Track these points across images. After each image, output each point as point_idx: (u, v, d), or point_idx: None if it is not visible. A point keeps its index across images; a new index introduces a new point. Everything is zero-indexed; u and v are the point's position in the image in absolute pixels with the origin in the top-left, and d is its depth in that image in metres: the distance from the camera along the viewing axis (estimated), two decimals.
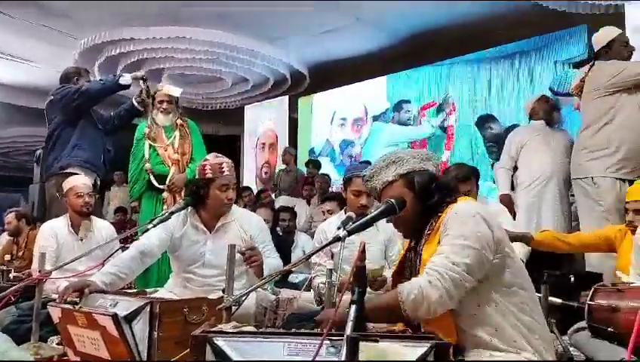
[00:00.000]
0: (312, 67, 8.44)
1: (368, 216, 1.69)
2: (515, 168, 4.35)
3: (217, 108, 10.02)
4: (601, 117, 3.49)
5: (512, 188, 4.39)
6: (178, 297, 2.58)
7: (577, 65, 6.00)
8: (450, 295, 1.56)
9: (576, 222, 4.13)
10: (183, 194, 3.86)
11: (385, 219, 1.78)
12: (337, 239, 1.61)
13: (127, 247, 2.68)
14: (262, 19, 6.72)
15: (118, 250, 2.65)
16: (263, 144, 9.78)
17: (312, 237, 5.47)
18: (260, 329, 1.59)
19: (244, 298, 1.85)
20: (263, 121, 9.79)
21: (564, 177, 4.08)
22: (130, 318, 1.96)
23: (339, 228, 2.09)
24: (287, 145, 9.11)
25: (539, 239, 2.88)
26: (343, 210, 3.10)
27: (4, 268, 4.04)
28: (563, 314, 2.54)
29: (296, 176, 7.77)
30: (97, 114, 4.32)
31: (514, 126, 6.09)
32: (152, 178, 3.99)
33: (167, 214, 2.64)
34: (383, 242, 3.00)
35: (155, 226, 2.56)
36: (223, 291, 2.05)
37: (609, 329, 2.10)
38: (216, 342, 1.37)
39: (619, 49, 3.59)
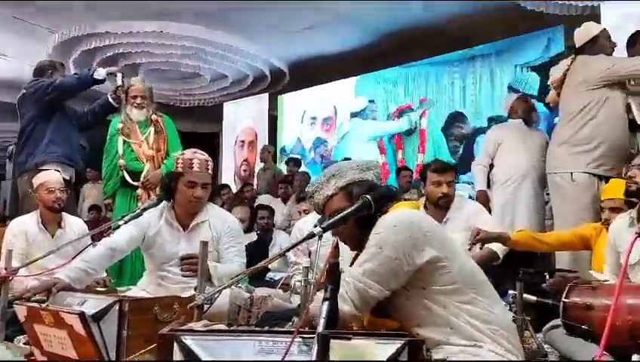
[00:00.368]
0: (291, 64, 8.40)
1: (343, 213, 1.67)
2: (492, 166, 4.37)
3: (196, 105, 9.90)
4: (586, 112, 3.46)
5: (489, 185, 4.41)
6: (151, 295, 2.54)
7: (535, 68, 6.31)
8: (356, 305, 1.59)
9: (551, 221, 4.16)
10: (158, 191, 3.79)
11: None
12: (312, 235, 1.58)
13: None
14: (240, 15, 6.65)
15: (88, 246, 2.58)
16: (242, 142, 9.71)
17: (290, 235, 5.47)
18: (232, 328, 1.56)
19: (216, 296, 1.81)
20: (242, 118, 9.73)
21: (539, 176, 4.12)
22: (98, 317, 1.91)
23: (315, 226, 2.06)
24: (267, 142, 9.06)
25: (515, 239, 2.88)
26: None
27: None
28: (538, 311, 2.55)
29: (273, 173, 7.75)
30: (71, 110, 4.22)
31: (480, 129, 6.49)
32: (126, 174, 3.91)
33: (139, 210, 2.59)
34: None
35: (127, 223, 2.51)
36: (195, 289, 2.01)
37: (583, 326, 2.11)
38: (184, 340, 1.33)
39: (604, 43, 3.59)
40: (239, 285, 2.31)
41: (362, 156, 7.33)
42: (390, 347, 1.34)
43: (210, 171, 2.71)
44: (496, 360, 1.57)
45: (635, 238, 1.37)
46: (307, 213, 4.20)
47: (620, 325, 1.89)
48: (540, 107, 5.52)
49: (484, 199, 4.21)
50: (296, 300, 2.78)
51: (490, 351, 1.58)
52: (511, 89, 6.51)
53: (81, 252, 2.49)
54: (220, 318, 2.03)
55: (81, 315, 1.87)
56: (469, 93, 6.97)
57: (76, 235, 3.33)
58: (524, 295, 2.44)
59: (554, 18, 5.94)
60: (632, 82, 3.55)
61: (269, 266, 4.67)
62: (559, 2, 5.60)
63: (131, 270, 3.65)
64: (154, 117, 4.04)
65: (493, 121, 6.47)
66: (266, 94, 9.33)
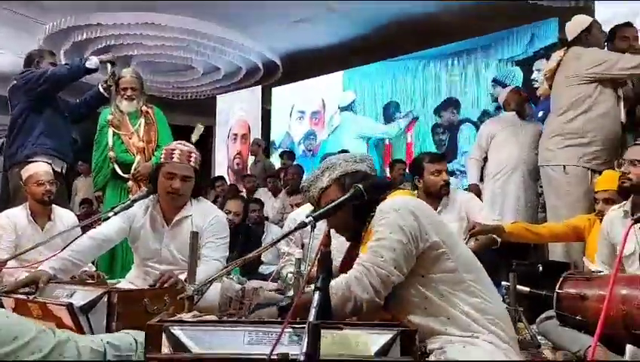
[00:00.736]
0: (285, 57, 8.35)
1: (334, 203, 1.67)
2: (486, 159, 4.38)
3: (188, 98, 9.84)
4: (579, 104, 3.44)
5: (482, 179, 4.42)
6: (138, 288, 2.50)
7: (519, 63, 6.44)
8: (377, 290, 1.58)
9: (544, 214, 4.17)
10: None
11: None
12: (304, 225, 1.57)
13: None
14: (233, 7, 6.59)
15: (77, 238, 2.54)
16: (235, 135, 9.67)
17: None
18: (222, 319, 1.53)
19: (206, 287, 1.79)
20: (235, 111, 9.68)
21: (531, 169, 4.12)
22: (86, 308, 1.88)
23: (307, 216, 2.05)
24: (260, 135, 9.04)
25: (510, 231, 2.88)
26: None
27: None
28: (531, 302, 2.55)
29: (264, 166, 7.74)
30: (63, 102, 4.17)
31: (465, 120, 6.75)
32: (116, 167, 3.86)
33: (129, 202, 2.56)
34: None
35: (116, 214, 2.48)
36: (185, 280, 1.98)
37: (577, 317, 2.10)
38: (172, 331, 1.30)
39: (597, 34, 3.58)
40: (231, 276, 2.29)
41: (351, 151, 7.39)
42: (382, 337, 1.32)
43: (192, 163, 2.60)
44: (491, 350, 1.57)
45: (631, 226, 1.35)
46: (299, 206, 4.18)
47: (613, 315, 1.89)
48: None
49: (475, 192, 4.21)
50: (287, 291, 2.77)
51: (485, 341, 1.58)
52: (495, 82, 6.63)
53: (70, 243, 2.45)
54: (212, 310, 2.00)
55: (69, 307, 1.84)
56: (455, 86, 7.08)
57: (66, 228, 3.29)
58: (518, 286, 2.44)
59: (543, 12, 5.94)
60: (631, 83, 3.55)
61: (262, 259, 4.66)
62: None
63: (122, 263, 3.61)
64: (144, 108, 3.99)
65: (487, 115, 6.56)
66: (259, 87, 9.29)
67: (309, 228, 1.50)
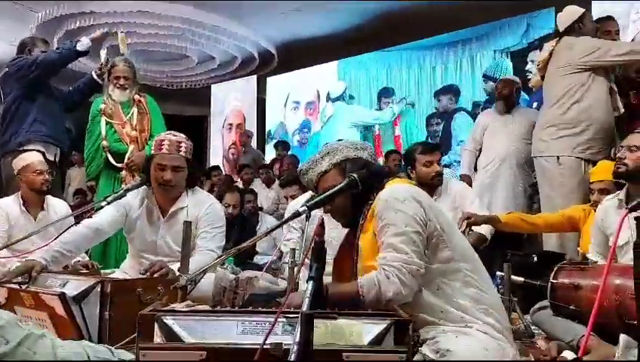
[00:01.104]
0: (280, 46, 8.30)
1: (329, 192, 1.67)
2: (481, 151, 4.39)
3: (183, 87, 9.78)
4: (572, 94, 3.43)
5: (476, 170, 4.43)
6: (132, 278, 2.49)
7: (514, 54, 6.45)
8: (410, 287, 1.60)
9: (538, 204, 4.18)
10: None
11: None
12: (298, 214, 1.56)
13: None
14: None
15: (70, 227, 2.52)
16: (230, 124, 9.63)
17: (279, 219, 5.45)
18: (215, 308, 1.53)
19: (199, 277, 1.78)
20: (230, 100, 9.64)
21: (521, 159, 4.14)
22: (79, 298, 1.88)
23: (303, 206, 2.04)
24: (256, 125, 9.02)
25: (505, 221, 2.89)
26: None
27: None
28: (525, 293, 2.55)
29: (253, 157, 7.76)
30: (57, 90, 4.12)
31: (460, 109, 6.84)
32: (109, 156, 3.83)
33: (122, 191, 2.54)
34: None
35: (109, 203, 2.46)
36: (179, 270, 1.97)
37: (571, 307, 2.11)
38: (165, 320, 1.30)
39: (589, 24, 3.56)
40: (225, 266, 2.28)
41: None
42: (376, 327, 1.32)
43: (183, 153, 2.57)
44: (485, 339, 1.58)
45: (626, 214, 1.35)
46: (293, 198, 4.16)
47: (607, 305, 1.89)
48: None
49: (467, 183, 4.22)
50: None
51: (479, 331, 1.59)
52: (486, 77, 6.66)
53: (61, 233, 2.43)
54: (206, 300, 2.00)
55: (62, 296, 1.83)
56: (450, 77, 7.09)
57: (59, 218, 3.27)
58: (512, 276, 2.44)
59: (539, 2, 5.91)
60: (619, 70, 3.54)
61: (257, 249, 4.66)
62: None
63: (115, 253, 3.59)
64: (137, 97, 3.95)
65: (478, 106, 6.63)
66: (254, 76, 9.24)
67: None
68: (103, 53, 4.02)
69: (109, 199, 2.46)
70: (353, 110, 8.06)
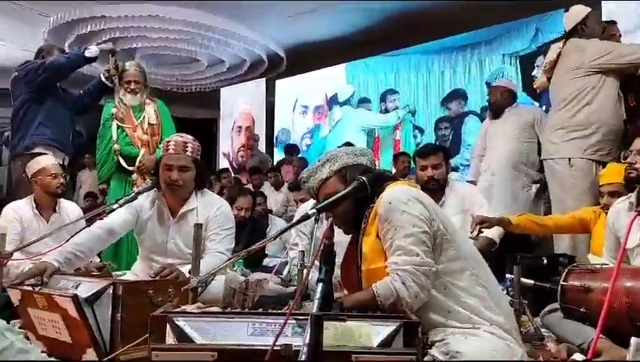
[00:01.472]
0: (289, 50, 8.33)
1: (338, 195, 1.68)
2: None
3: (193, 91, 9.84)
4: (583, 96, 3.42)
5: None
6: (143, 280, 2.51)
7: (523, 58, 6.47)
8: (427, 288, 1.61)
9: (548, 205, 4.17)
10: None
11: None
12: (307, 217, 1.57)
13: None
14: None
15: (82, 229, 2.55)
16: (240, 127, 9.67)
17: (289, 221, 5.46)
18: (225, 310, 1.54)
19: (210, 279, 1.80)
20: (240, 103, 9.68)
21: (514, 159, 4.16)
22: (91, 300, 1.89)
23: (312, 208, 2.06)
24: (265, 128, 9.06)
25: (516, 223, 2.87)
26: None
27: None
28: (535, 295, 2.54)
29: (260, 160, 7.84)
30: (68, 94, 4.17)
31: (468, 112, 6.90)
32: (121, 159, 3.88)
33: (133, 194, 2.56)
34: None
35: (121, 206, 2.48)
36: (190, 272, 1.99)
37: (581, 309, 2.10)
38: (176, 322, 1.31)
39: (594, 25, 3.55)
40: (235, 268, 2.29)
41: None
42: (386, 328, 1.32)
43: (189, 153, 2.59)
44: (493, 340, 1.58)
45: (635, 216, 1.35)
46: (303, 201, 4.18)
47: (617, 307, 1.89)
48: (522, 96, 5.73)
49: None
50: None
51: (487, 332, 1.59)
52: (488, 84, 6.66)
53: (74, 236, 2.46)
54: (215, 303, 2.01)
55: (75, 298, 1.85)
56: (459, 80, 7.10)
57: (71, 220, 3.30)
58: (522, 279, 2.43)
59: (550, 4, 5.89)
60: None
61: (266, 252, 4.67)
62: None
63: (127, 255, 3.62)
64: (148, 101, 4.00)
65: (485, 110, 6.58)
66: (263, 79, 9.27)
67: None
68: (111, 56, 4.05)
69: (120, 202, 2.49)
70: (360, 114, 8.09)
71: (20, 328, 2.36)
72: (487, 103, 6.56)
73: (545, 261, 2.96)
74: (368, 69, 8.06)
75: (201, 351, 1.25)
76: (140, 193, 2.59)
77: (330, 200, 1.63)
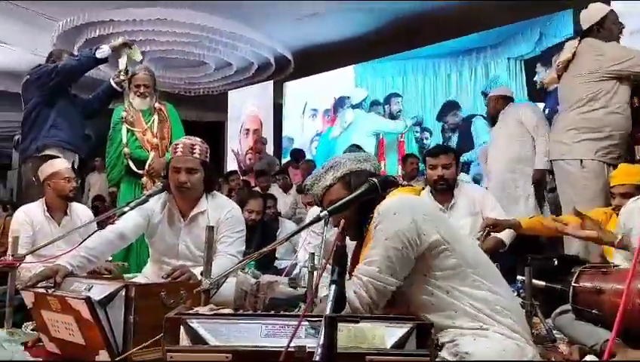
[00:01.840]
0: (296, 52, 8.35)
1: (350, 196, 1.69)
2: None
3: (200, 94, 9.88)
4: (597, 99, 3.40)
5: None
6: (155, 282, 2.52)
7: (527, 62, 6.49)
8: (375, 302, 1.62)
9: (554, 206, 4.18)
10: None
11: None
12: (318, 219, 1.58)
13: None
14: (245, 2, 6.60)
15: (94, 233, 2.56)
16: (247, 130, 9.69)
17: (298, 223, 5.47)
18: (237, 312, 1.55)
19: (222, 281, 1.81)
20: (247, 106, 9.71)
21: (507, 157, 4.22)
22: (104, 302, 1.90)
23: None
24: (272, 131, 9.08)
25: (526, 226, 2.86)
26: None
27: None
28: (547, 296, 2.53)
29: (268, 162, 7.87)
30: (78, 98, 4.19)
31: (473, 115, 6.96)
32: (130, 163, 3.90)
33: (144, 197, 2.58)
34: None
35: (131, 209, 2.49)
36: (201, 274, 2.00)
37: (593, 311, 2.09)
38: (190, 324, 1.32)
39: (611, 26, 3.50)
40: (246, 271, 2.30)
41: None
42: (399, 330, 1.33)
43: (197, 155, 2.60)
44: (502, 340, 1.57)
45: None
46: (311, 205, 4.19)
47: (631, 309, 1.87)
48: (526, 100, 5.85)
49: None
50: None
51: (496, 333, 1.59)
52: (484, 94, 6.76)
53: (85, 239, 2.47)
54: (227, 306, 2.02)
55: (88, 300, 1.86)
56: (464, 84, 7.15)
57: (82, 222, 3.32)
58: (533, 280, 2.42)
59: (557, 4, 5.87)
60: None
61: (276, 255, 4.68)
62: None
63: (137, 258, 3.64)
64: (157, 105, 4.02)
65: None
66: (271, 82, 9.29)
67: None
68: (123, 60, 4.07)
69: (131, 204, 2.49)
70: (372, 118, 8.10)
71: (32, 330, 2.40)
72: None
73: (555, 262, 2.95)
74: (376, 72, 8.09)
75: (216, 352, 1.25)
76: (150, 196, 2.60)
77: (342, 201, 1.64)
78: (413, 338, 1.32)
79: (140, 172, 3.90)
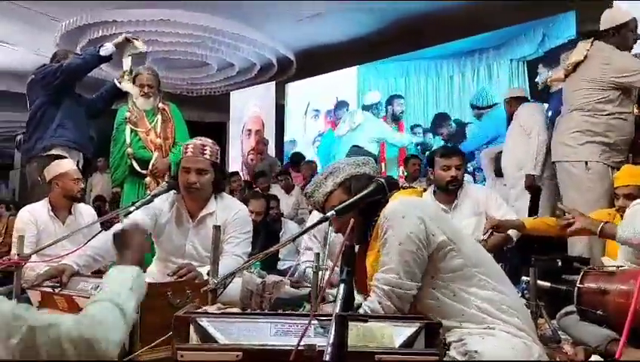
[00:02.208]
0: (299, 53, 8.36)
1: (356, 197, 1.70)
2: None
3: (203, 95, 9.89)
4: (603, 104, 3.41)
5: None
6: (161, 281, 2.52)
7: (530, 63, 6.47)
8: (401, 310, 1.63)
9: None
10: (166, 178, 3.80)
11: None
12: (325, 219, 1.59)
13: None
14: (247, 3, 6.61)
15: (98, 233, 2.57)
16: (249, 130, 9.70)
17: (300, 224, 5.49)
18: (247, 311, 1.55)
19: (229, 280, 1.81)
20: (250, 107, 9.71)
21: (516, 162, 4.31)
22: None
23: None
24: (274, 131, 9.08)
25: (530, 226, 2.86)
26: None
27: None
28: (551, 297, 2.54)
29: (269, 163, 7.91)
30: (82, 98, 4.20)
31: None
32: (134, 163, 3.91)
33: (149, 197, 2.58)
34: None
35: (137, 208, 2.50)
36: (208, 273, 2.00)
37: (598, 312, 2.09)
38: (200, 322, 1.33)
39: (627, 34, 3.47)
40: (251, 271, 2.30)
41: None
42: (407, 329, 1.33)
43: (207, 156, 2.59)
44: (509, 339, 1.58)
45: None
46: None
47: (637, 309, 1.87)
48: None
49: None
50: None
51: (502, 331, 1.60)
52: (472, 106, 6.97)
53: (91, 239, 2.48)
54: (233, 306, 2.02)
55: None
56: (467, 85, 7.15)
57: (86, 222, 3.33)
58: (538, 281, 2.42)
59: (560, 5, 5.88)
60: None
61: (279, 255, 4.69)
62: None
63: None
64: (161, 105, 4.03)
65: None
66: (273, 83, 9.30)
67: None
68: (127, 61, 4.08)
69: (137, 204, 2.50)
70: (379, 125, 8.05)
71: None
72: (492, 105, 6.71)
73: (559, 263, 2.95)
74: (379, 73, 8.09)
75: (226, 350, 1.26)
76: (155, 196, 2.61)
77: (350, 201, 1.65)
78: (422, 337, 1.33)
79: (144, 172, 3.91)
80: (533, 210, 4.19)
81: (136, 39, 4.05)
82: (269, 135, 9.24)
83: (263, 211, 4.71)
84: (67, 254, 2.50)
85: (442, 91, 7.39)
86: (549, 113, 5.45)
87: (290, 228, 5.17)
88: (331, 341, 1.13)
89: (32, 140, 3.96)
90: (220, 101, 10.04)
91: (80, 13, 6.89)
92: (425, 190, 3.33)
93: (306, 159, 7.57)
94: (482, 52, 6.98)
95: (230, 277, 1.82)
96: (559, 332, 2.35)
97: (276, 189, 6.76)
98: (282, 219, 5.45)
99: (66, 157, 3.68)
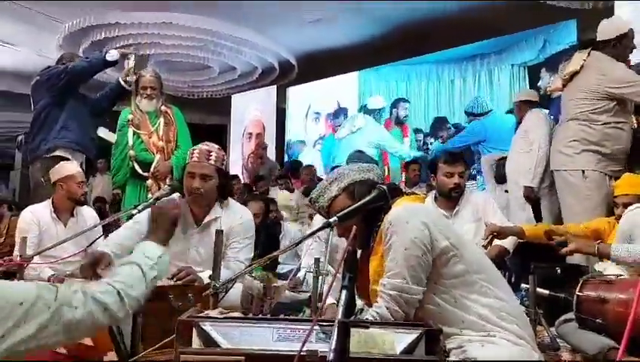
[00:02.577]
0: (300, 57, 8.38)
1: (358, 203, 1.70)
2: None
3: (204, 97, 9.91)
4: (599, 115, 3.43)
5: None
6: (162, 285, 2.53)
7: (531, 68, 6.53)
8: (408, 314, 1.64)
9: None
10: (167, 181, 3.81)
11: None
12: (328, 225, 1.60)
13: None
14: (249, 7, 6.64)
15: (100, 236, 2.58)
16: (250, 134, 9.72)
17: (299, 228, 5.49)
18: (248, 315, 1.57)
19: (230, 285, 1.82)
20: (251, 110, 9.74)
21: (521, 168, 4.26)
22: None
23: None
24: (275, 135, 9.10)
25: (529, 233, 2.87)
26: None
27: None
28: (550, 305, 2.54)
29: (269, 167, 7.91)
30: (88, 98, 4.22)
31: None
32: (136, 165, 3.92)
33: (152, 200, 2.58)
34: None
35: (140, 211, 2.50)
36: (210, 277, 2.02)
37: (597, 320, 2.10)
38: (203, 326, 1.34)
39: (626, 44, 3.49)
40: (253, 275, 2.32)
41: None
42: (408, 336, 1.35)
43: (212, 162, 2.60)
44: (509, 346, 1.59)
45: None
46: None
47: (636, 318, 1.88)
48: None
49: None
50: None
51: (502, 339, 1.61)
52: (467, 113, 7.02)
53: (94, 241, 2.49)
54: (234, 309, 2.03)
55: None
56: (468, 90, 7.19)
57: (88, 224, 3.34)
58: (537, 289, 2.43)
59: (561, 13, 5.91)
60: None
61: (279, 260, 4.69)
62: None
63: None
64: (163, 108, 4.05)
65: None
66: (275, 87, 9.32)
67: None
68: (131, 58, 4.10)
69: (139, 207, 2.49)
70: (380, 132, 8.06)
71: None
72: (503, 110, 6.75)
73: (558, 271, 2.96)
74: (380, 78, 8.12)
75: (229, 355, 1.27)
76: (158, 199, 2.61)
77: (352, 207, 1.66)
78: (423, 343, 1.34)
79: (146, 174, 3.93)
80: (537, 220, 4.19)
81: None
82: (270, 138, 9.26)
83: (261, 214, 4.72)
84: (69, 256, 2.52)
85: (443, 95, 7.43)
86: (550, 118, 5.47)
87: (290, 231, 5.18)
88: (333, 347, 1.14)
89: (36, 141, 3.97)
90: (221, 104, 10.06)
91: (83, 15, 6.92)
92: (426, 196, 3.33)
93: (304, 164, 7.58)
94: (484, 57, 7.03)
95: (232, 281, 1.82)
96: (558, 340, 2.35)
97: (276, 193, 6.77)
98: (282, 222, 5.46)
99: (69, 160, 3.70)
